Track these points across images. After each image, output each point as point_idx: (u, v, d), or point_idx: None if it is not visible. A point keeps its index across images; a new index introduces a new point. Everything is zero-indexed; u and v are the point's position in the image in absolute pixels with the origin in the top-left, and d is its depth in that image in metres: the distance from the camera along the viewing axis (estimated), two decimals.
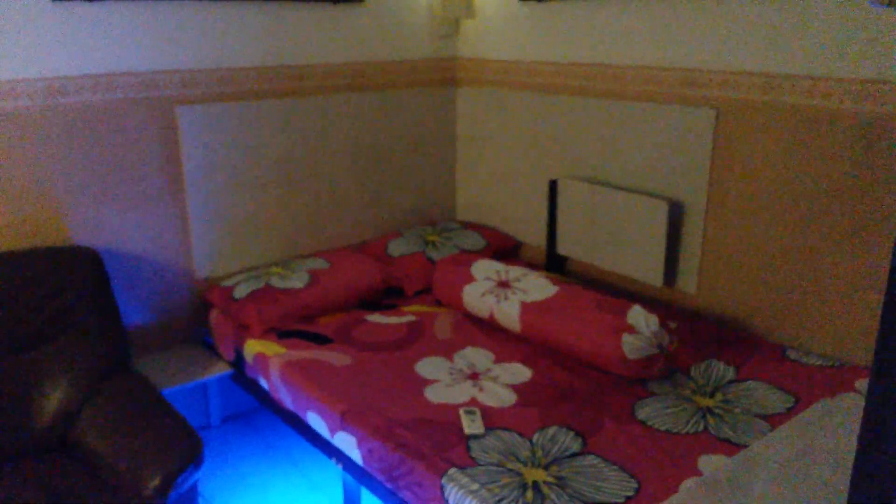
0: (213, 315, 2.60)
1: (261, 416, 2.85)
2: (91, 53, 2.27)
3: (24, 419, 2.02)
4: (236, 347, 2.44)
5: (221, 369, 2.52)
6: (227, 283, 2.60)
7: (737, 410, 1.89)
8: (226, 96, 2.58)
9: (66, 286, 2.14)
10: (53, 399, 2.06)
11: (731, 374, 2.08)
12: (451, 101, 3.26)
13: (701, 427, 1.82)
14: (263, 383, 2.31)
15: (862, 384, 1.96)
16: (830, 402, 1.59)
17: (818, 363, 2.11)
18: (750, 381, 2.03)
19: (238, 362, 2.45)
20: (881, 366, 0.60)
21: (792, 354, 2.18)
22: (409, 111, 3.11)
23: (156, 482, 1.79)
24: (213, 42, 2.51)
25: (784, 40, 2.17)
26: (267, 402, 2.36)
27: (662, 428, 1.82)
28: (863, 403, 1.79)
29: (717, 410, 1.89)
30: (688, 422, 1.85)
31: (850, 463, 1.28)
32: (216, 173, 2.60)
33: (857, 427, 1.45)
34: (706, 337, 2.30)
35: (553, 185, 2.84)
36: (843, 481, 1.22)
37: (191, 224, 2.58)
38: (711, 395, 1.97)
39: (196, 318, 2.69)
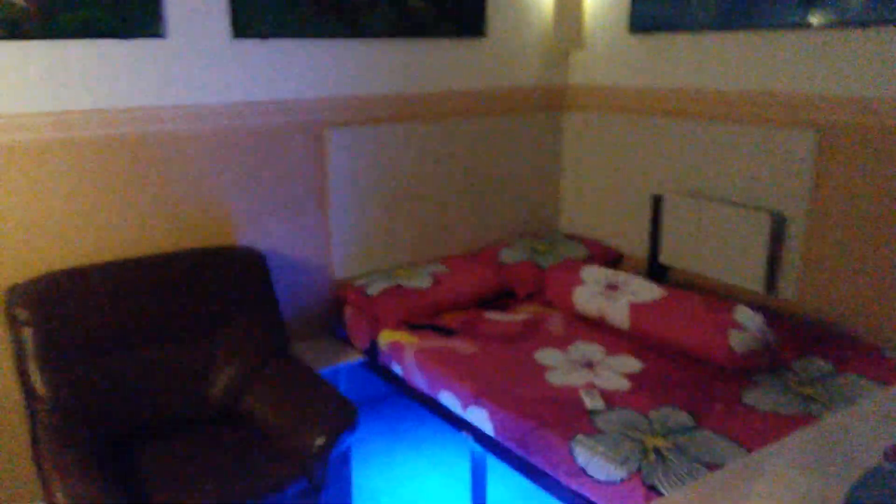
0: (348, 310, 2.95)
1: (384, 403, 3.18)
2: (260, 83, 2.68)
3: (202, 391, 2.36)
4: (371, 338, 2.77)
5: (355, 357, 2.86)
6: (360, 282, 2.95)
7: (837, 398, 2.07)
8: (365, 120, 2.95)
9: (238, 280, 2.51)
10: (226, 375, 2.40)
11: (830, 368, 2.26)
12: (559, 125, 3.56)
13: (803, 410, 2.01)
14: (397, 369, 2.62)
15: None
16: (854, 409, 1.76)
17: None
18: (849, 375, 2.20)
19: (371, 351, 2.78)
20: None
21: (889, 354, 2.33)
22: (519, 133, 3.42)
23: (321, 441, 2.10)
24: (358, 73, 2.90)
25: (880, 65, 2.35)
26: (399, 385, 2.67)
27: (768, 410, 2.02)
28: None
29: (817, 398, 2.08)
30: (790, 406, 2.04)
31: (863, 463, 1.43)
32: (354, 187, 2.97)
33: (880, 432, 1.61)
34: (806, 337, 2.48)
35: (657, 200, 3.07)
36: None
37: (331, 231, 2.95)
38: (812, 386, 2.16)
39: (330, 313, 3.04)
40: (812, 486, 1.46)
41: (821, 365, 2.28)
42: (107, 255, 2.45)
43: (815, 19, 2.51)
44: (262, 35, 2.62)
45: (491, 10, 3.19)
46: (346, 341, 2.97)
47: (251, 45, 2.62)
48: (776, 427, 1.93)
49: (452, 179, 3.25)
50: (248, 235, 2.76)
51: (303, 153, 2.82)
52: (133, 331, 2.29)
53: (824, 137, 2.54)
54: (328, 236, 2.96)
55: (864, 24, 2.38)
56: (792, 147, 2.63)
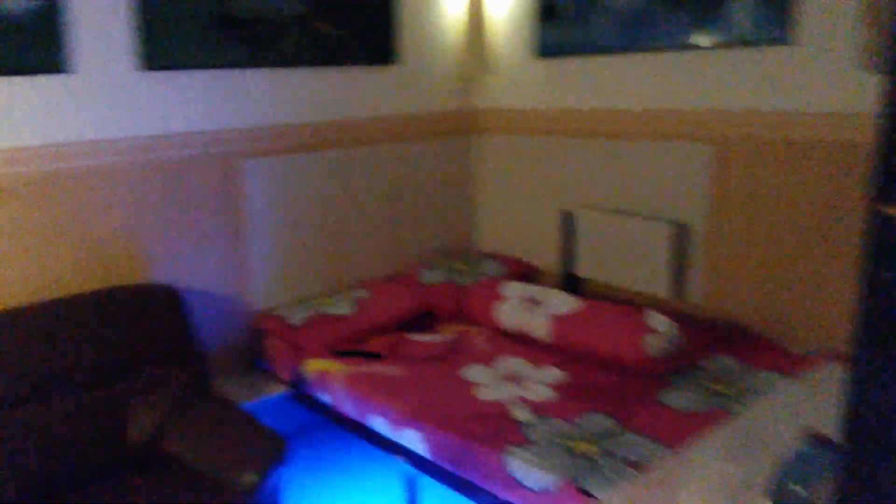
0: (270, 341, 2.89)
1: (313, 434, 3.12)
2: (171, 115, 2.61)
3: (121, 437, 2.23)
4: (295, 368, 2.73)
5: (279, 389, 2.80)
6: (282, 312, 2.90)
7: (746, 392, 2.20)
8: (280, 150, 2.93)
9: (152, 318, 2.41)
10: (145, 418, 2.27)
11: (739, 366, 2.41)
12: (471, 147, 3.65)
13: (717, 407, 2.13)
14: (325, 398, 2.59)
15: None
16: (765, 402, 1.92)
17: (811, 352, 2.44)
18: (755, 370, 2.36)
19: (297, 382, 2.74)
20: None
21: (792, 348, 2.51)
22: (433, 157, 3.48)
23: (250, 477, 2.04)
24: (271, 102, 2.88)
25: (768, 81, 2.56)
26: (327, 414, 2.64)
27: (685, 409, 2.13)
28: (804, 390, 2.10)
29: (729, 394, 2.21)
30: (705, 404, 2.16)
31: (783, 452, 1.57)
32: (271, 217, 2.93)
33: (790, 421, 1.76)
34: (714, 338, 2.63)
35: (567, 215, 3.20)
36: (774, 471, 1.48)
37: (249, 262, 2.90)
38: (723, 383, 2.29)
39: (251, 346, 2.97)
40: (736, 475, 1.55)
41: (729, 363, 2.43)
42: (12, 300, 2.31)
43: (703, 40, 2.70)
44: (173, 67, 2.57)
45: (400, 37, 3.25)
46: (269, 374, 2.91)
47: (161, 78, 2.57)
48: (693, 424, 2.04)
49: (370, 204, 3.27)
50: (163, 271, 2.67)
51: (217, 185, 2.76)
52: (44, 380, 2.16)
53: (720, 150, 2.73)
54: (246, 268, 2.90)
55: (748, 44, 2.58)
56: (691, 160, 2.80)
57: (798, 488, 1.27)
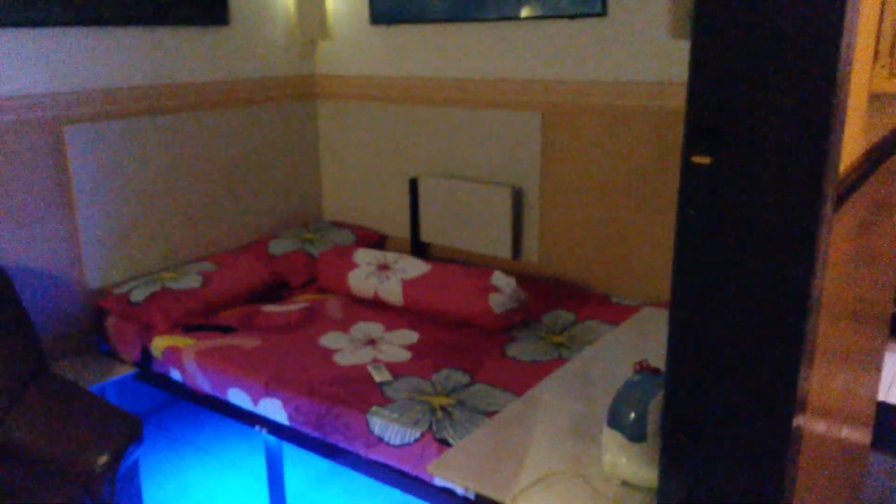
0: (111, 321, 2.76)
1: (165, 413, 3.03)
2: None
3: None
4: (142, 347, 2.63)
5: (124, 370, 2.69)
6: (122, 289, 2.77)
7: (580, 341, 2.45)
8: (110, 115, 2.76)
9: None
10: None
11: (571, 318, 2.66)
12: (313, 114, 3.63)
13: (556, 355, 2.36)
14: (175, 375, 2.54)
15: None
16: (595, 347, 2.19)
17: (635, 303, 2.75)
18: (587, 321, 2.62)
19: (144, 361, 2.64)
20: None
21: (615, 299, 2.81)
22: (274, 124, 3.43)
23: (104, 459, 1.99)
24: (96, 64, 2.69)
25: (587, 51, 2.80)
26: (180, 391, 2.58)
27: (528, 360, 2.34)
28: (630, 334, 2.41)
29: (566, 344, 2.45)
30: (546, 354, 2.38)
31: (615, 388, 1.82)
32: (103, 188, 2.77)
33: (618, 360, 2.03)
34: (550, 294, 2.88)
35: (413, 182, 3.30)
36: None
37: (81, 237, 2.73)
38: (560, 334, 2.53)
39: (89, 327, 2.82)
40: (576, 410, 1.75)
41: (564, 316, 2.68)
42: None
43: (528, 11, 2.88)
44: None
45: None
46: (111, 354, 2.78)
47: None
48: (536, 373, 2.24)
49: (212, 173, 3.17)
50: None
51: (39, 154, 2.56)
52: None
53: (547, 118, 2.94)
54: (79, 244, 2.73)
55: (570, 15, 2.78)
56: (523, 128, 3.00)
57: (631, 412, 1.47)
